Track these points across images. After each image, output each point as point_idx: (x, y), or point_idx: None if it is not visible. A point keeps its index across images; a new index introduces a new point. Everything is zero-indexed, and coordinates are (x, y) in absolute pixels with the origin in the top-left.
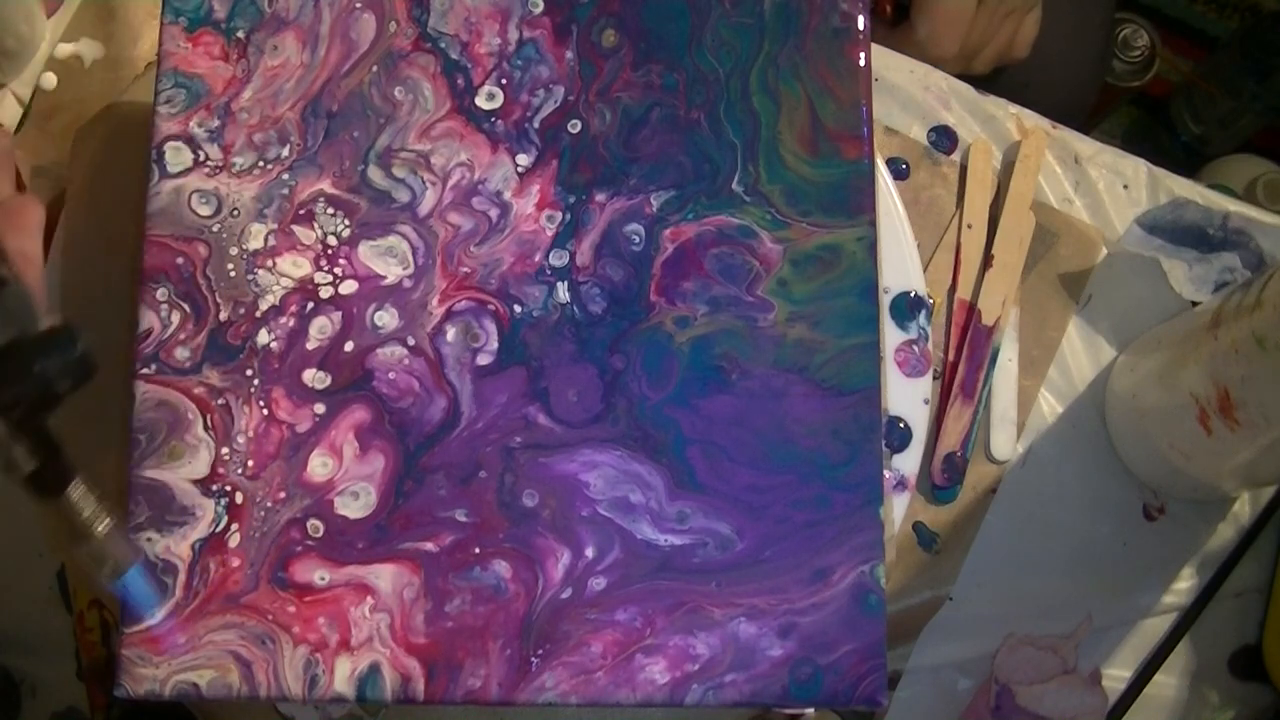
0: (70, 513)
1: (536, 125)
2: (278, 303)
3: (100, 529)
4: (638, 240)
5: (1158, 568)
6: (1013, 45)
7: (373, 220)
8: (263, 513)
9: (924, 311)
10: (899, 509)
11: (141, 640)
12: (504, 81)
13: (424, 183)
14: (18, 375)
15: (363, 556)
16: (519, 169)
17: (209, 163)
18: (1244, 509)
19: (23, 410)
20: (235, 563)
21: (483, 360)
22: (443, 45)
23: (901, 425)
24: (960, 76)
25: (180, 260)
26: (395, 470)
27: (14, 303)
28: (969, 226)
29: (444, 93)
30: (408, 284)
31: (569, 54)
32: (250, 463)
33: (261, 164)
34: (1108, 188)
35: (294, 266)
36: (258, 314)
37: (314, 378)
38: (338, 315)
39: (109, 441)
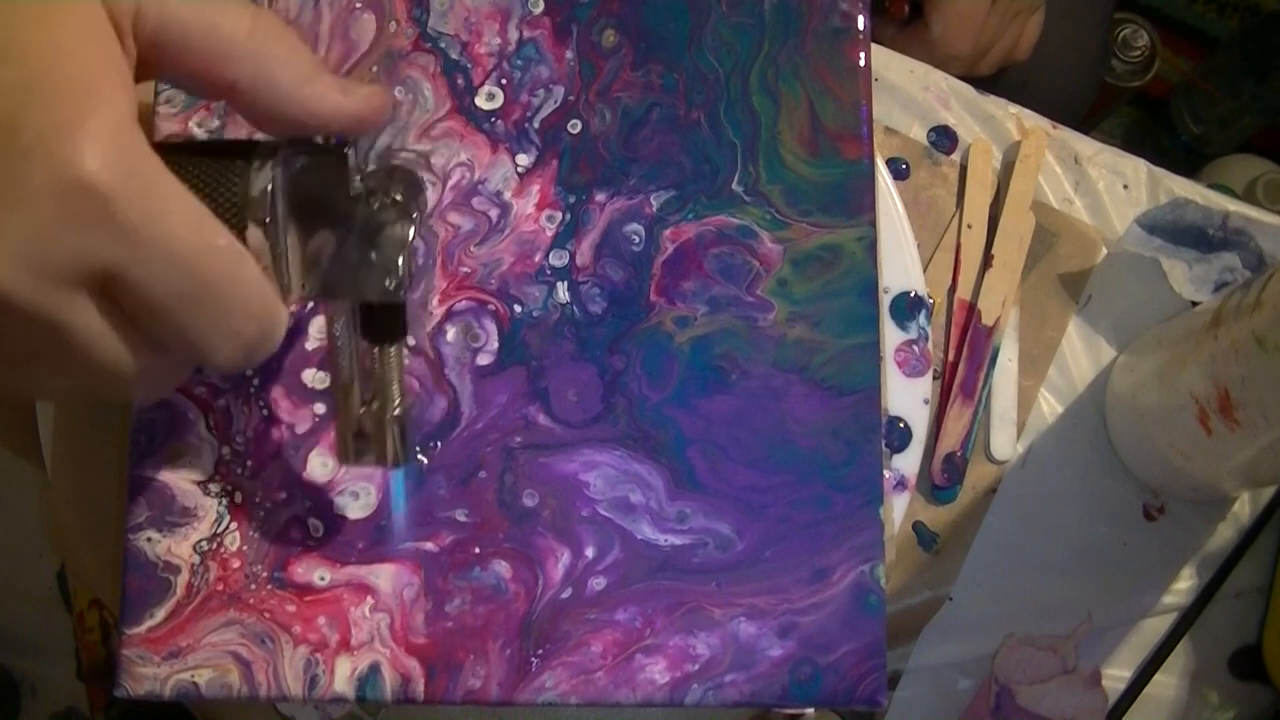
0: (386, 370)
1: (536, 125)
2: None
3: (397, 406)
4: (638, 240)
5: (1158, 568)
6: (1016, 46)
7: None
8: (263, 513)
9: (924, 311)
10: (899, 509)
11: (143, 640)
12: (504, 81)
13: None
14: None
15: (363, 556)
16: (519, 169)
17: None
18: (1244, 509)
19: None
20: (235, 563)
21: (483, 360)
22: (443, 45)
23: (901, 425)
24: (961, 77)
25: None
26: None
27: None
28: (969, 226)
29: (444, 93)
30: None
31: (569, 54)
32: (250, 463)
33: None
34: (1108, 188)
35: None
36: None
37: (314, 378)
38: None
39: (109, 442)
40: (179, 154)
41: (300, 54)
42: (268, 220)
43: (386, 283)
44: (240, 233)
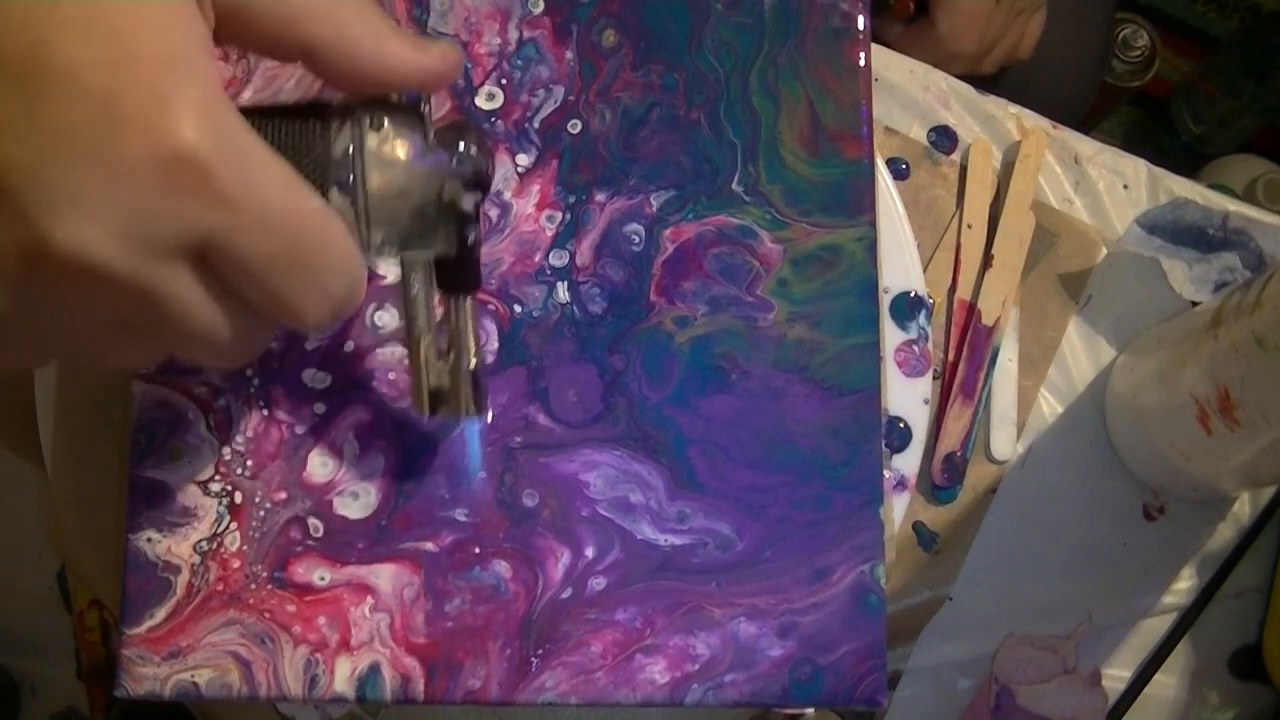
0: (462, 321)
1: (536, 125)
2: None
3: (472, 359)
4: (638, 240)
5: (1158, 568)
6: (1019, 45)
7: None
8: (263, 513)
9: (924, 311)
10: (899, 509)
11: (143, 640)
12: (504, 81)
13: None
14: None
15: (363, 556)
16: (519, 169)
17: None
18: (1244, 509)
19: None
20: (235, 563)
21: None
22: None
23: (901, 425)
24: (961, 76)
25: None
26: (395, 470)
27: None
28: (969, 226)
29: (444, 92)
30: None
31: (569, 54)
32: (250, 463)
33: None
34: (1108, 188)
35: None
36: None
37: (314, 378)
38: None
39: (109, 442)
40: (260, 118)
41: (373, 13)
42: (350, 180)
43: (464, 235)
44: (323, 193)
